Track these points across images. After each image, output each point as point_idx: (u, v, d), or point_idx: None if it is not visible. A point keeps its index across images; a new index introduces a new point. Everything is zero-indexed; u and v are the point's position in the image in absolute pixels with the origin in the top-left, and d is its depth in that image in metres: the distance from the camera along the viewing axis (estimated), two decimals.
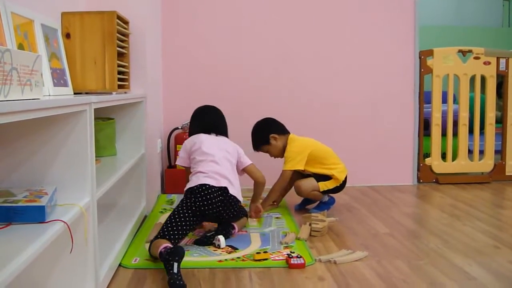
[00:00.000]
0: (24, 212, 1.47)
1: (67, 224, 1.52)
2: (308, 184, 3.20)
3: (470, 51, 4.27)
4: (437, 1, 7.98)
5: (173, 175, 3.79)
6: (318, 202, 3.30)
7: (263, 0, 4.03)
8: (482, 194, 3.88)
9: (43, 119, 1.66)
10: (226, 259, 2.37)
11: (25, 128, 1.71)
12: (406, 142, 4.21)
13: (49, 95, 2.10)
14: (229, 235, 2.67)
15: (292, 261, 2.28)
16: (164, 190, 3.87)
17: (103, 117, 2.89)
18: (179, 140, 3.70)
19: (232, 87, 4.05)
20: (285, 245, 2.58)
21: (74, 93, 2.47)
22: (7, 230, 1.42)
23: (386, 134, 4.17)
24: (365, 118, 4.15)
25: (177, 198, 3.62)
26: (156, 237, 2.40)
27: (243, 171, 2.96)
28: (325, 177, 3.21)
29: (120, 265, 2.30)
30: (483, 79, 4.30)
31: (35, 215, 1.48)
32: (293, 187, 3.31)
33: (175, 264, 2.04)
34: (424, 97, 4.23)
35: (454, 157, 4.32)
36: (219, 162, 2.74)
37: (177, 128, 3.92)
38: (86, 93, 2.61)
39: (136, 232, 2.79)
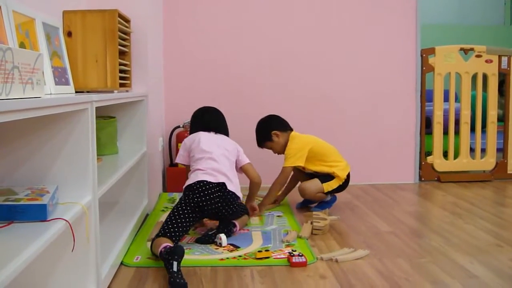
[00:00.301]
0: (25, 211, 1.47)
1: (68, 223, 1.52)
2: (313, 186, 3.20)
3: (472, 49, 4.26)
4: None
5: (174, 173, 3.79)
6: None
7: None
8: (484, 193, 3.87)
9: (45, 117, 1.65)
10: (227, 258, 2.37)
11: (27, 127, 1.71)
12: (407, 140, 4.21)
13: (51, 94, 2.10)
14: (231, 234, 2.67)
15: (294, 259, 2.28)
16: (165, 189, 3.87)
17: (104, 116, 2.89)
18: (181, 139, 3.69)
19: (234, 85, 4.05)
20: (287, 243, 2.58)
21: (76, 92, 2.47)
22: (8, 228, 1.42)
23: (388, 132, 4.17)
24: (366, 116, 4.15)
25: (178, 196, 3.61)
26: (157, 235, 2.40)
27: (240, 169, 2.97)
28: (327, 176, 3.21)
29: (121, 263, 2.30)
30: (485, 77, 4.29)
31: (37, 213, 1.48)
32: (296, 188, 3.31)
33: (175, 263, 2.05)
34: (426, 95, 4.22)
35: (456, 155, 4.32)
36: (217, 159, 2.74)
37: (178, 127, 3.92)
38: (88, 92, 2.61)
39: (138, 231, 2.80)
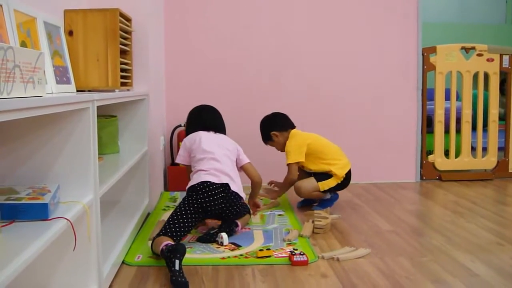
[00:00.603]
0: (27, 210, 1.47)
1: (70, 222, 1.52)
2: (308, 185, 3.20)
3: (473, 48, 4.26)
4: None
5: (176, 172, 3.79)
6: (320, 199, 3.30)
7: None
8: (485, 191, 3.87)
9: (46, 116, 1.66)
10: (229, 256, 2.37)
11: (28, 126, 1.71)
12: (409, 139, 4.20)
13: (52, 93, 2.10)
14: (233, 233, 2.67)
15: (295, 258, 2.28)
16: (167, 188, 3.87)
17: (106, 115, 2.89)
18: (182, 138, 3.67)
19: (235, 84, 4.05)
20: (288, 242, 2.58)
21: (77, 91, 2.47)
22: (10, 227, 1.42)
23: (389, 131, 4.17)
24: (368, 115, 4.15)
25: (180, 195, 3.62)
26: (158, 235, 2.40)
27: (240, 168, 2.96)
28: (324, 175, 3.21)
29: (123, 262, 2.30)
30: (486, 76, 4.29)
31: (38, 212, 1.48)
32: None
33: (177, 261, 2.05)
34: (427, 94, 4.22)
35: (457, 154, 4.32)
36: (219, 159, 2.74)
37: (180, 126, 3.92)
38: (89, 91, 2.61)
39: (139, 230, 2.80)
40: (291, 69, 4.07)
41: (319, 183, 3.18)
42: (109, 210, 2.87)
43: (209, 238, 2.58)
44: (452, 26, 7.60)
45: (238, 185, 2.75)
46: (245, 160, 2.96)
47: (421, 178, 4.26)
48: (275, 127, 3.33)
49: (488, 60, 4.26)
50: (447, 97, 4.25)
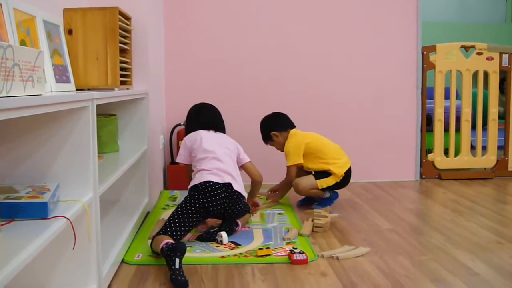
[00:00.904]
0: (26, 208, 1.47)
1: (69, 220, 1.52)
2: (306, 182, 3.20)
3: (472, 46, 4.26)
4: None
5: (175, 171, 3.78)
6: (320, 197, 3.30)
7: None
8: (484, 190, 3.87)
9: (45, 115, 1.66)
10: (228, 255, 2.37)
11: (27, 124, 1.71)
12: (408, 137, 4.20)
13: (51, 92, 2.10)
14: (233, 232, 2.67)
15: (295, 257, 2.28)
16: (166, 186, 3.87)
17: (105, 113, 2.89)
18: (182, 136, 3.69)
19: (235, 83, 4.04)
20: (288, 241, 2.58)
21: (76, 90, 2.47)
22: (10, 226, 1.42)
23: (389, 130, 4.17)
24: (367, 114, 4.14)
25: (179, 194, 3.62)
26: (158, 233, 2.40)
27: (241, 167, 2.96)
28: (325, 174, 3.21)
29: (122, 261, 2.30)
30: (485, 74, 4.29)
31: (38, 211, 1.48)
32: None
33: (177, 260, 2.05)
34: (427, 93, 4.22)
35: (456, 153, 4.32)
36: (221, 159, 2.74)
37: (179, 124, 3.92)
38: (89, 90, 2.61)
39: (139, 228, 2.80)
40: (291, 68, 4.07)
41: (317, 180, 3.19)
42: (108, 209, 2.87)
43: (209, 237, 2.58)
44: (451, 25, 7.61)
45: (240, 184, 2.75)
46: (245, 159, 2.96)
47: (421, 176, 4.26)
48: (275, 127, 3.34)
49: (487, 58, 4.25)
50: (447, 96, 4.25)
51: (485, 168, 4.38)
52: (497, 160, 4.35)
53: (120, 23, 2.66)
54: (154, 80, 3.41)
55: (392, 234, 2.72)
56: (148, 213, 3.16)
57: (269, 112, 3.42)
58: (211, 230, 2.64)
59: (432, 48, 4.20)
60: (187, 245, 2.22)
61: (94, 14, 2.60)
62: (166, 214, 3.04)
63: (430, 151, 4.32)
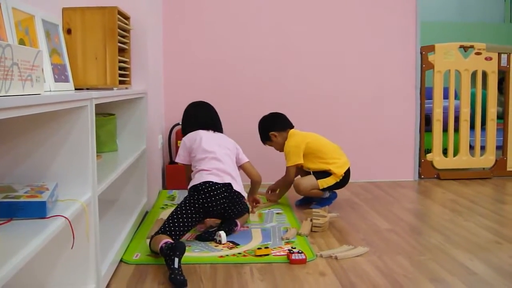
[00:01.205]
0: (25, 208, 1.47)
1: (68, 220, 1.52)
2: (307, 182, 3.20)
3: (471, 46, 4.26)
4: None
5: (174, 171, 3.78)
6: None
7: None
8: (483, 190, 3.88)
9: (44, 114, 1.65)
10: (227, 255, 2.37)
11: (26, 124, 1.71)
12: (407, 137, 4.20)
13: (50, 91, 2.10)
14: (232, 232, 2.67)
15: (293, 256, 2.28)
16: (165, 186, 3.87)
17: (104, 113, 2.89)
18: (180, 136, 3.68)
19: (234, 83, 4.04)
20: (286, 240, 2.58)
21: (75, 89, 2.47)
22: (8, 225, 1.42)
23: (388, 130, 4.17)
24: (366, 113, 4.15)
25: (178, 194, 3.62)
26: (157, 233, 2.40)
27: (239, 167, 2.96)
28: (324, 174, 3.21)
29: (121, 260, 2.30)
30: (484, 74, 4.29)
31: (36, 210, 1.48)
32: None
33: (176, 259, 2.05)
34: (426, 93, 4.22)
35: (455, 153, 4.32)
36: (221, 159, 2.73)
37: (178, 124, 3.91)
38: (87, 89, 2.61)
39: (137, 228, 2.80)
40: (291, 68, 4.07)
41: (318, 181, 3.19)
42: (107, 208, 2.87)
43: (208, 236, 2.58)
44: (450, 25, 7.61)
45: (240, 184, 2.75)
46: (244, 159, 2.96)
47: (420, 176, 4.27)
48: (273, 127, 3.34)
49: (486, 58, 4.26)
50: (446, 96, 4.26)
51: (483, 168, 4.39)
52: (496, 160, 4.36)
53: (119, 22, 2.66)
54: (153, 80, 3.41)
55: (391, 234, 2.72)
56: (146, 212, 3.16)
57: (268, 112, 3.42)
58: (210, 230, 2.64)
59: (431, 48, 4.20)
60: (186, 245, 2.22)
61: (93, 13, 2.60)
62: (164, 214, 3.04)
63: (429, 151, 4.32)
